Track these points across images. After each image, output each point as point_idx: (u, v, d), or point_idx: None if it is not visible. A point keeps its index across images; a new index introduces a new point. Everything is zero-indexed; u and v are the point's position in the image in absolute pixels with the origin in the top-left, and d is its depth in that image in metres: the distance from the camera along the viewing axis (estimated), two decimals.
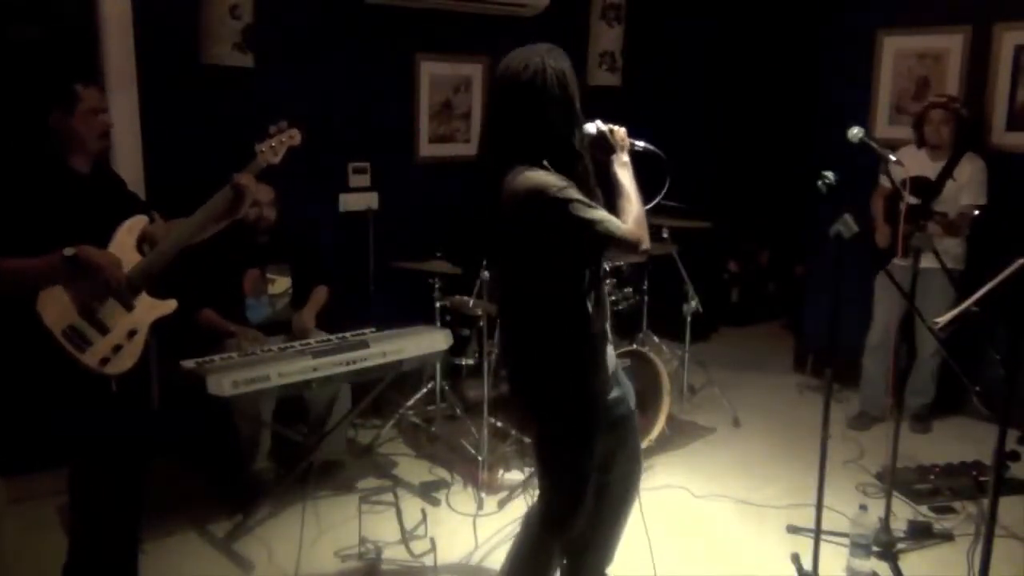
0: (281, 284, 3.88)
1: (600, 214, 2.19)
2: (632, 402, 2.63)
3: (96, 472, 2.58)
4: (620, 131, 2.41)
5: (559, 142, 2.24)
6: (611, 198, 2.35)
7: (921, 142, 4.19)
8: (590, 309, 2.31)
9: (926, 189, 4.03)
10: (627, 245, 2.20)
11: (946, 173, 4.06)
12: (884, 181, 4.09)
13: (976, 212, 3.96)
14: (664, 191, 2.50)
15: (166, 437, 3.74)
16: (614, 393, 2.49)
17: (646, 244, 2.22)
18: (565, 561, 2.70)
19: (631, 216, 2.26)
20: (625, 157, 2.39)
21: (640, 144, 2.47)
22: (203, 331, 3.63)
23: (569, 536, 2.50)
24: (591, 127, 2.38)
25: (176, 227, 2.65)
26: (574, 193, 2.18)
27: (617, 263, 3.81)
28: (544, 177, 2.18)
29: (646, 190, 2.42)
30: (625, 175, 2.35)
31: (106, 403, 2.53)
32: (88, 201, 2.54)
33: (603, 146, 2.39)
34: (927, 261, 3.43)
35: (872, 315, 4.37)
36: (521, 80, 2.21)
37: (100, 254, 2.44)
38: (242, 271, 3.77)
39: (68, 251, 2.35)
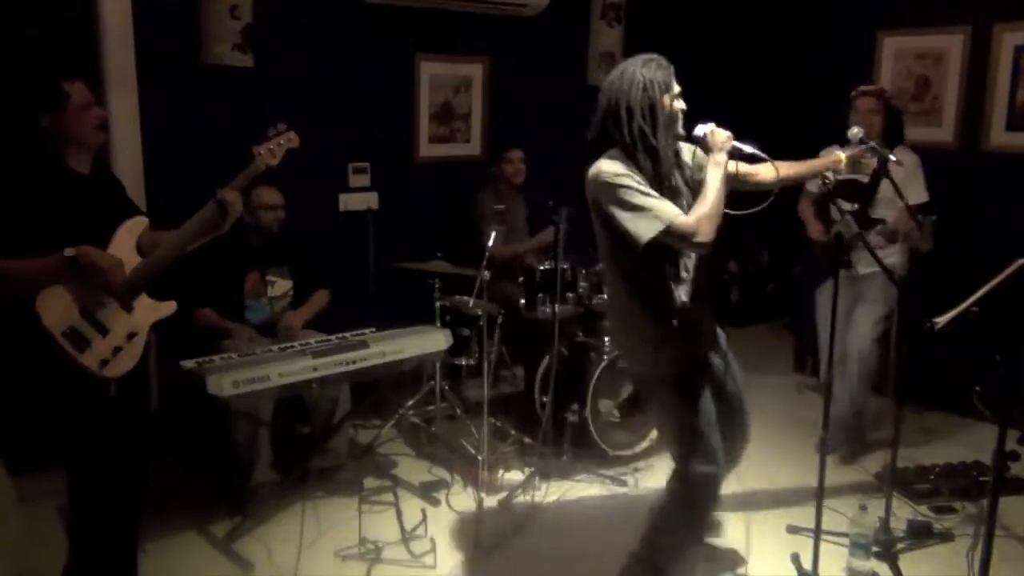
0: (281, 287, 3.88)
1: (652, 203, 2.43)
2: (736, 377, 2.87)
3: (94, 473, 2.58)
4: (720, 134, 2.60)
5: (640, 140, 2.50)
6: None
7: (845, 139, 3.57)
8: (667, 284, 2.58)
9: (859, 193, 3.74)
10: (678, 235, 2.43)
11: (879, 173, 3.57)
12: (810, 186, 3.96)
13: (933, 218, 3.50)
14: (769, 200, 2.64)
15: (166, 437, 3.75)
16: (713, 360, 2.74)
17: (702, 237, 2.42)
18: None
19: (698, 211, 2.47)
20: (720, 157, 2.56)
21: (748, 148, 2.62)
22: (201, 330, 3.62)
23: (710, 487, 2.68)
24: (701, 129, 2.63)
25: (164, 239, 2.64)
26: (629, 180, 2.44)
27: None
28: (606, 164, 2.49)
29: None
30: (712, 174, 2.54)
31: (105, 405, 2.53)
32: (88, 202, 2.53)
33: (705, 146, 2.60)
34: (864, 267, 3.48)
35: (818, 335, 4.13)
36: (613, 85, 2.54)
37: (101, 255, 2.43)
38: (244, 273, 3.77)
39: (69, 252, 2.35)
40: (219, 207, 2.66)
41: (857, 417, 4.03)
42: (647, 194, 2.45)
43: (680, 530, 2.80)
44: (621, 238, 2.49)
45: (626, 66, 2.56)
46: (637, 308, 2.63)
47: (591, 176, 2.51)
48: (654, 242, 2.44)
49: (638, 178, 2.48)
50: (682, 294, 2.63)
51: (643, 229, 2.42)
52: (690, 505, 2.74)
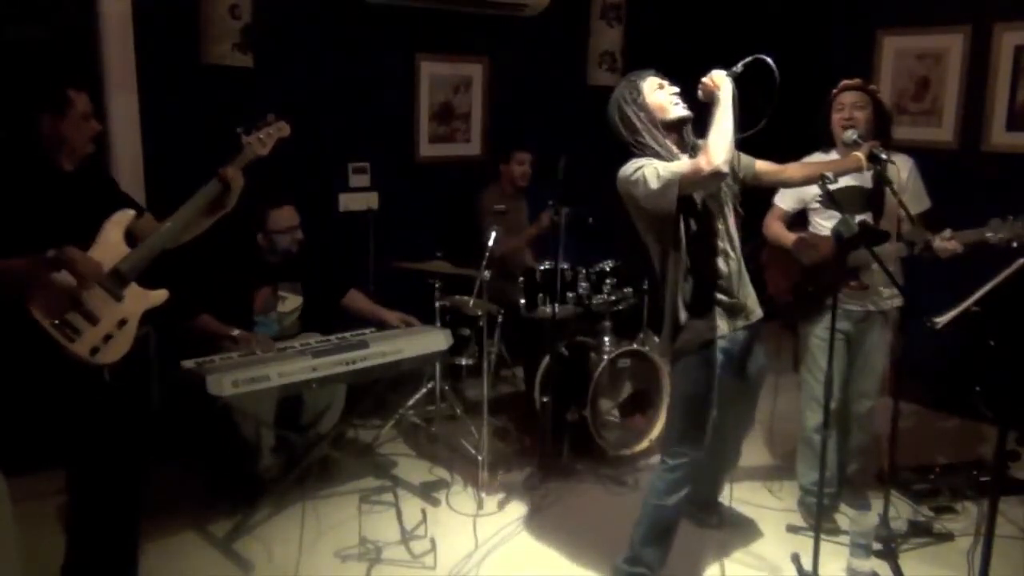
0: (292, 303, 3.84)
1: (662, 171, 2.62)
2: (756, 365, 3.01)
3: (93, 465, 2.59)
4: (711, 80, 2.70)
5: (639, 145, 2.76)
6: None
7: (830, 142, 3.39)
8: (699, 269, 2.76)
9: (865, 202, 3.29)
10: (692, 178, 2.59)
11: (884, 180, 3.14)
12: (779, 201, 3.50)
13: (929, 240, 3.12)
14: (774, 102, 2.69)
15: (166, 437, 3.75)
16: (721, 344, 2.80)
17: (707, 167, 2.52)
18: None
19: (703, 146, 2.59)
20: (720, 94, 2.65)
21: (739, 66, 2.72)
22: (200, 336, 3.60)
23: (682, 470, 2.84)
24: (699, 92, 2.72)
25: (165, 223, 2.66)
26: (642, 163, 2.67)
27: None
28: (627, 165, 2.72)
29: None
30: (715, 111, 2.64)
31: (100, 394, 2.54)
32: (74, 198, 2.55)
33: (711, 99, 2.67)
34: (868, 303, 3.30)
35: (807, 385, 3.56)
36: (608, 113, 2.84)
37: (81, 259, 2.42)
38: (255, 287, 3.73)
39: (50, 253, 2.37)
40: (221, 184, 2.68)
41: (852, 471, 3.59)
42: (656, 168, 2.65)
43: (654, 511, 2.89)
44: (660, 221, 2.72)
45: (624, 79, 2.87)
46: (672, 292, 2.80)
47: (618, 179, 2.75)
48: (681, 199, 2.64)
49: (654, 162, 2.70)
50: (713, 274, 2.79)
51: (667, 196, 2.63)
52: (664, 485, 2.86)
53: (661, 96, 2.79)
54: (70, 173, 2.57)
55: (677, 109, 2.78)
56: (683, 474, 2.83)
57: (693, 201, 2.73)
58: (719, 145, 2.55)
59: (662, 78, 2.83)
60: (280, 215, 3.70)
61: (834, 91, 3.40)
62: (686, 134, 2.83)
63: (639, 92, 2.79)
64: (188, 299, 3.35)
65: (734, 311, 2.82)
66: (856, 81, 3.41)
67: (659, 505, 2.87)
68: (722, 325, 2.79)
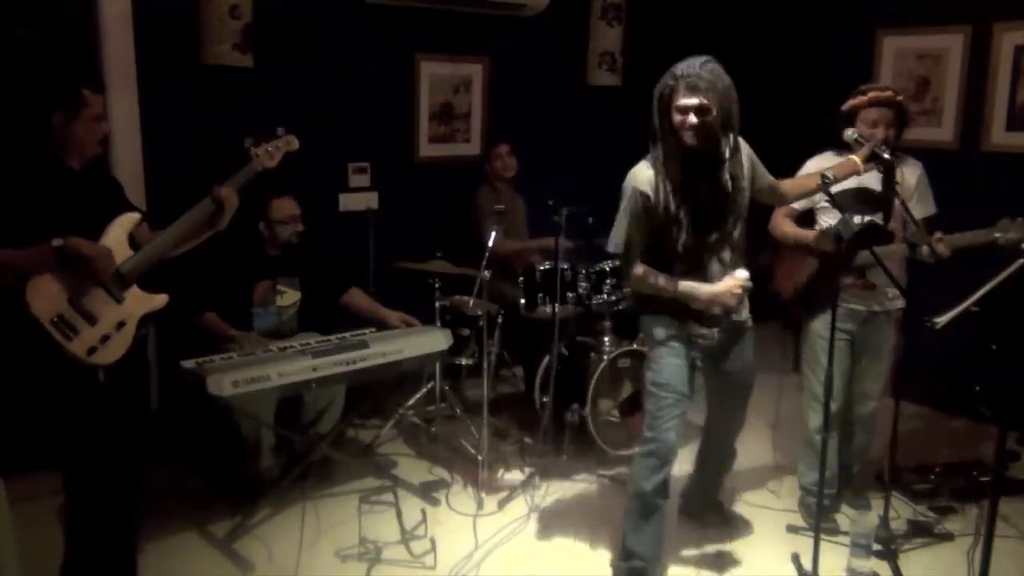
0: (290, 297, 3.84)
1: (623, 229, 2.81)
2: (738, 364, 3.07)
3: (88, 465, 2.58)
4: (730, 291, 2.80)
5: (652, 150, 2.79)
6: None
7: (844, 144, 3.29)
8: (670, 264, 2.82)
9: (873, 203, 3.23)
10: (622, 263, 2.87)
11: (889, 181, 3.15)
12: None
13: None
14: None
15: (166, 437, 3.75)
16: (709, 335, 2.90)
17: (627, 279, 2.86)
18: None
19: (649, 273, 2.83)
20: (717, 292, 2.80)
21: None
22: (204, 334, 3.61)
23: (650, 458, 2.90)
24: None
25: (158, 237, 2.65)
26: (626, 204, 2.79)
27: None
28: (635, 170, 2.81)
29: None
30: (694, 287, 2.81)
31: (93, 394, 2.54)
32: (80, 196, 2.55)
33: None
34: (874, 303, 3.29)
35: (810, 385, 3.50)
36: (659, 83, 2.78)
37: (89, 245, 2.44)
38: (254, 282, 3.74)
39: (56, 242, 2.36)
40: (215, 204, 2.67)
41: (852, 470, 3.58)
42: (623, 228, 2.80)
43: (635, 499, 2.92)
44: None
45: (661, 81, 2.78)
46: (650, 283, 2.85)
47: (626, 180, 2.82)
48: (672, 216, 2.75)
49: (645, 198, 2.75)
50: (693, 276, 2.81)
51: (615, 239, 2.84)
52: (640, 471, 2.91)
53: (679, 118, 2.69)
54: (77, 172, 2.57)
55: (687, 136, 2.70)
56: (657, 460, 2.88)
57: (682, 220, 2.76)
58: (644, 288, 2.85)
59: (690, 96, 2.65)
60: (282, 204, 3.74)
61: (862, 99, 3.23)
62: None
63: (670, 95, 2.70)
64: (192, 297, 3.36)
65: (709, 311, 2.86)
66: (888, 95, 3.22)
67: (639, 492, 2.91)
68: (693, 323, 2.85)
